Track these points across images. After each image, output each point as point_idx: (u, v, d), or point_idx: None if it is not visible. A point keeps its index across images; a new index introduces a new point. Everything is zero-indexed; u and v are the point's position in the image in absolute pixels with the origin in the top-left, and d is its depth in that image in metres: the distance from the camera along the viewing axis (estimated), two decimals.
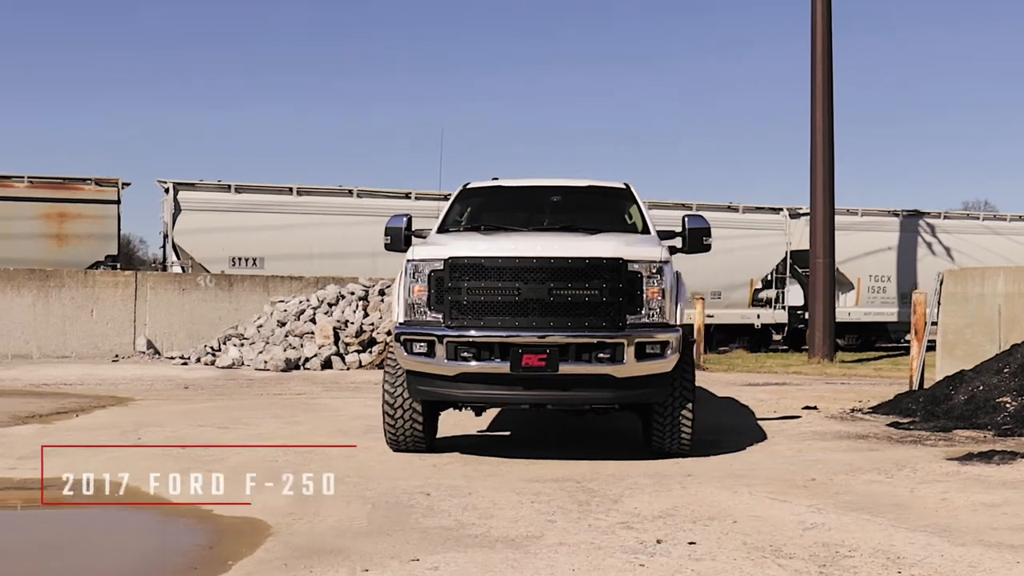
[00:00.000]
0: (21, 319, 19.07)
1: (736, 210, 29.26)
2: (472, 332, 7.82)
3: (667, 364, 7.95)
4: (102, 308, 19.66)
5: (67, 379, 15.19)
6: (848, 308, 29.39)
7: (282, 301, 20.02)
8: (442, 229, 9.49)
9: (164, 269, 25.52)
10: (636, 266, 7.94)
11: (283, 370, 17.37)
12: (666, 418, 8.25)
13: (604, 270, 7.85)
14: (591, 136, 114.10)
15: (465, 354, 7.86)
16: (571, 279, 7.84)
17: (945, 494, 6.93)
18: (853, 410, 11.83)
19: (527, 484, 7.20)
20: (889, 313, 29.80)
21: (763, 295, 29.39)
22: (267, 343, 18.54)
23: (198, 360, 18.58)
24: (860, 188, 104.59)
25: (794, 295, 29.52)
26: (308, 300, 19.68)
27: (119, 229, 24.71)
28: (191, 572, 4.97)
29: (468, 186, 10.19)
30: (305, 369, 17.75)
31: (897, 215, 30.56)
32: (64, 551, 5.47)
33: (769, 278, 29.38)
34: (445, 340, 7.85)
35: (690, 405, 8.24)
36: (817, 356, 24.04)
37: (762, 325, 29.29)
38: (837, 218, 25.90)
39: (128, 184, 25.25)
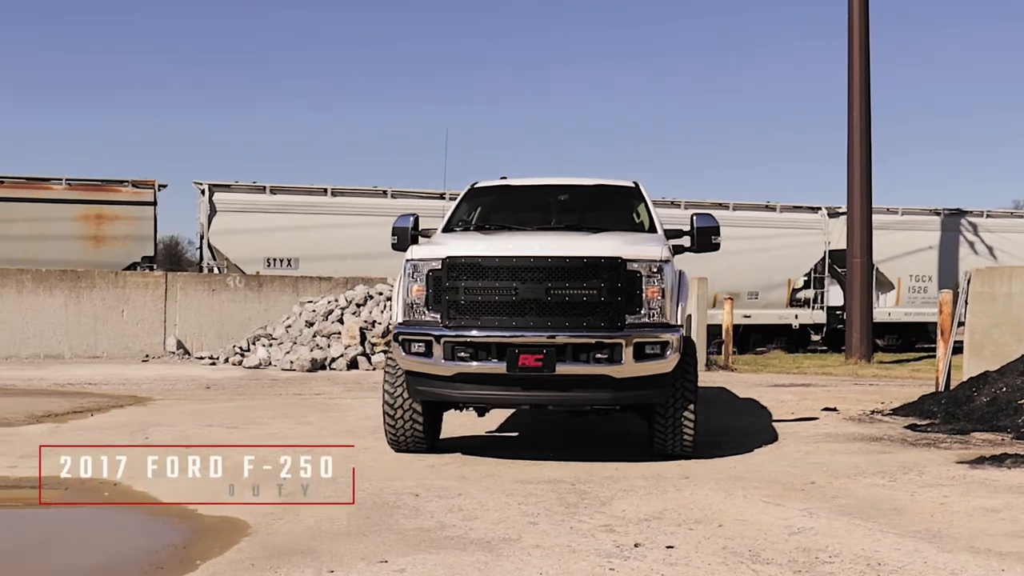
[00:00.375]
0: (53, 319, 19.30)
1: (774, 209, 28.92)
2: (469, 332, 7.76)
3: (667, 365, 7.82)
4: (133, 308, 19.83)
5: (92, 379, 15.34)
6: (888, 308, 28.94)
7: (311, 301, 20.08)
8: (447, 229, 9.45)
9: (201, 270, 25.76)
10: (635, 265, 7.82)
11: (309, 370, 17.42)
12: (667, 419, 8.11)
13: (602, 269, 7.75)
14: (620, 137, 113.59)
15: (462, 354, 7.80)
16: (569, 278, 7.75)
17: (946, 498, 6.75)
18: (873, 412, 11.60)
19: (521, 486, 7.12)
20: (930, 313, 29.07)
21: (801, 295, 29.01)
22: (295, 343, 18.60)
23: (226, 360, 18.69)
24: (907, 188, 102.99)
25: (833, 295, 29.09)
26: (336, 300, 19.73)
27: (155, 231, 24.95)
28: (158, 571, 4.95)
29: (476, 185, 10.14)
30: (331, 369, 17.78)
31: (939, 214, 30.01)
32: (34, 550, 5.49)
33: (808, 278, 29.02)
34: (442, 340, 7.80)
35: (692, 406, 8.09)
36: (854, 357, 23.67)
37: (800, 325, 28.89)
38: (877, 217, 25.53)
39: (165, 186, 25.47)
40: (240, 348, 19.05)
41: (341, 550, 5.32)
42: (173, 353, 19.60)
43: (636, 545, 5.44)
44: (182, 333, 20.04)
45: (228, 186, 25.48)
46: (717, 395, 14.14)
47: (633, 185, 9.94)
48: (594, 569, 4.98)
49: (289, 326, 19.44)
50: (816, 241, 28.84)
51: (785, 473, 7.67)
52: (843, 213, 27.07)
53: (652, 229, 9.28)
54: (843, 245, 26.32)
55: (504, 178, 10.19)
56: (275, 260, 25.16)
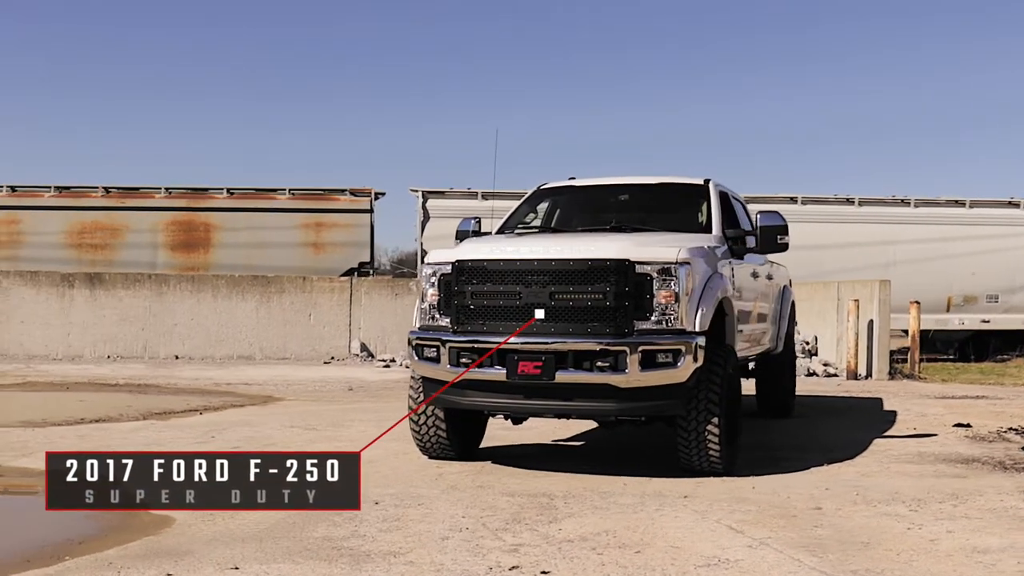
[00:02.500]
0: (245, 322, 20.50)
1: (1017, 206, 26.35)
2: (471, 337, 7.58)
3: (679, 374, 7.26)
4: (319, 312, 20.75)
5: (253, 379, 16.08)
6: None
7: None
8: (502, 231, 9.30)
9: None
10: (646, 268, 7.33)
11: None
12: (689, 433, 7.52)
13: (608, 272, 7.31)
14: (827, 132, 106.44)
15: (465, 360, 7.62)
16: (572, 282, 7.39)
17: (948, 533, 5.87)
18: (1010, 430, 10.27)
19: (497, 498, 6.84)
20: None
21: None
22: None
23: (401, 363, 19.17)
24: None
25: None
26: None
27: (372, 237, 26.03)
28: (24, 564, 5.11)
29: (542, 187, 9.88)
30: None
31: None
32: None
33: None
34: (448, 345, 7.66)
35: (716, 420, 7.45)
36: None
37: None
38: None
39: (382, 194, 26.59)
40: None
41: (214, 555, 5.30)
42: (357, 355, 20.34)
43: (512, 568, 5.09)
44: (366, 336, 20.77)
45: (442, 193, 26.21)
46: (860, 405, 13.09)
47: (702, 183, 9.32)
48: None
49: None
50: None
51: (803, 497, 6.92)
52: None
53: (708, 228, 8.70)
54: None
55: (572, 178, 9.86)
56: None
